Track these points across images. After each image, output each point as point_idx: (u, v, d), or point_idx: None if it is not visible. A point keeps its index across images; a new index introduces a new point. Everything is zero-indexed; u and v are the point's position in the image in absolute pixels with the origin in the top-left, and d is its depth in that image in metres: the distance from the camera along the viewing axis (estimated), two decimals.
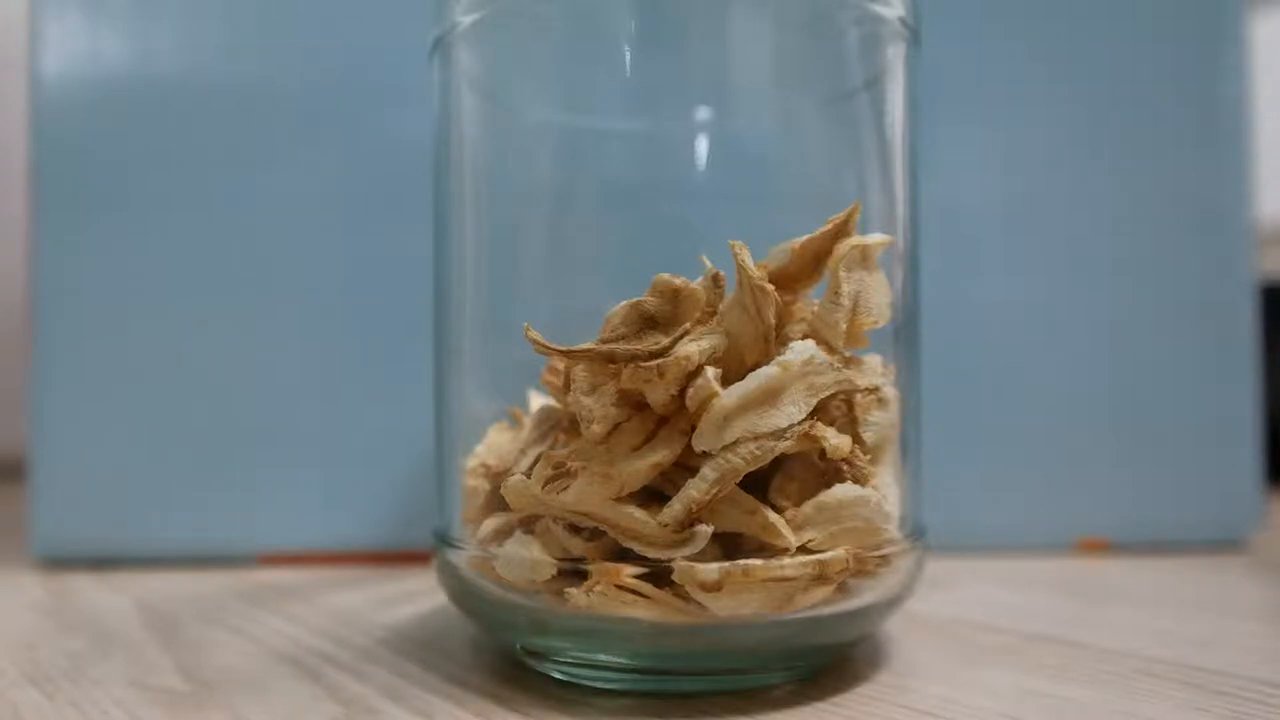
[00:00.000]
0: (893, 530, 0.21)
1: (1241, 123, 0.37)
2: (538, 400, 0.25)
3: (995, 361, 0.37)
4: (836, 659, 0.23)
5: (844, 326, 0.21)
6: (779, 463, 0.20)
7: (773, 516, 0.20)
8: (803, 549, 0.20)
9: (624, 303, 0.20)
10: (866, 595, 0.21)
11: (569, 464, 0.20)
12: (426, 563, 0.36)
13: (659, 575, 0.19)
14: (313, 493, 0.36)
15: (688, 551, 0.19)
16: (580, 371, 0.20)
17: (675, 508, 0.19)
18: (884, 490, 0.21)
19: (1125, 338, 0.37)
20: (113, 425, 0.35)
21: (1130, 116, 0.37)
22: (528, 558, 0.20)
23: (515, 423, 0.25)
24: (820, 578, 0.20)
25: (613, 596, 0.19)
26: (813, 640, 0.21)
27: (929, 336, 0.27)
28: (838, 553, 0.20)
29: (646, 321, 0.20)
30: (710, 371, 0.19)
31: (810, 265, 0.21)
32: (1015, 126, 0.37)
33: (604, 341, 0.20)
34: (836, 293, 0.21)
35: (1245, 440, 0.37)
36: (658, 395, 0.19)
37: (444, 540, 0.24)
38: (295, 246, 0.36)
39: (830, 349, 0.21)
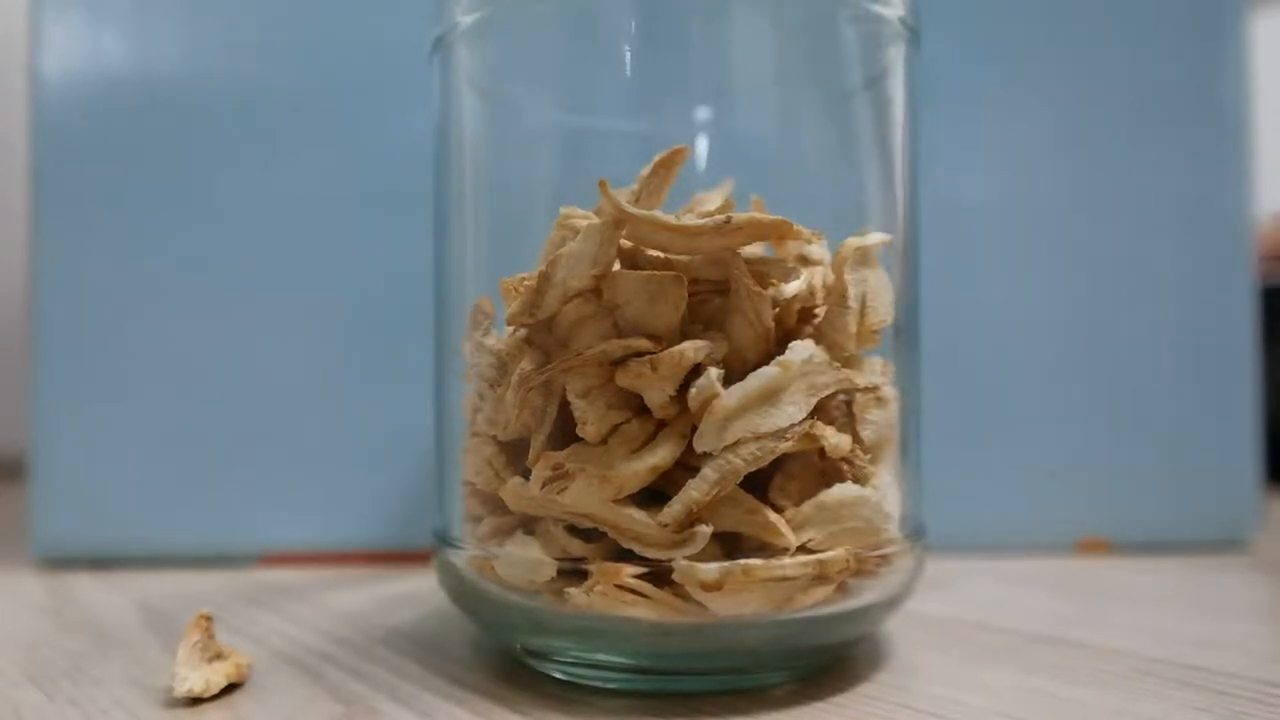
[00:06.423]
0: (893, 530, 0.21)
1: (1241, 123, 0.37)
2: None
3: (995, 361, 0.37)
4: (836, 659, 0.23)
5: (855, 329, 0.21)
6: (779, 462, 0.20)
7: (773, 516, 0.20)
8: (803, 549, 0.20)
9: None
10: (866, 595, 0.21)
11: (567, 465, 0.20)
12: (426, 563, 0.36)
13: (659, 575, 0.19)
14: (313, 493, 0.36)
15: (688, 551, 0.19)
16: (573, 375, 0.20)
17: (675, 508, 0.19)
18: (884, 490, 0.21)
19: (1125, 337, 0.37)
20: (113, 425, 0.35)
21: (1130, 116, 0.37)
22: (528, 558, 0.20)
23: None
24: (820, 577, 0.20)
25: (613, 596, 0.19)
26: (813, 640, 0.21)
27: (928, 336, 0.27)
28: (838, 552, 0.20)
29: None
30: (713, 372, 0.19)
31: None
32: (1015, 126, 0.37)
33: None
34: (844, 295, 0.21)
35: (1245, 440, 0.37)
36: (654, 396, 0.19)
37: (444, 540, 0.24)
38: (295, 246, 0.36)
39: (839, 351, 0.20)
